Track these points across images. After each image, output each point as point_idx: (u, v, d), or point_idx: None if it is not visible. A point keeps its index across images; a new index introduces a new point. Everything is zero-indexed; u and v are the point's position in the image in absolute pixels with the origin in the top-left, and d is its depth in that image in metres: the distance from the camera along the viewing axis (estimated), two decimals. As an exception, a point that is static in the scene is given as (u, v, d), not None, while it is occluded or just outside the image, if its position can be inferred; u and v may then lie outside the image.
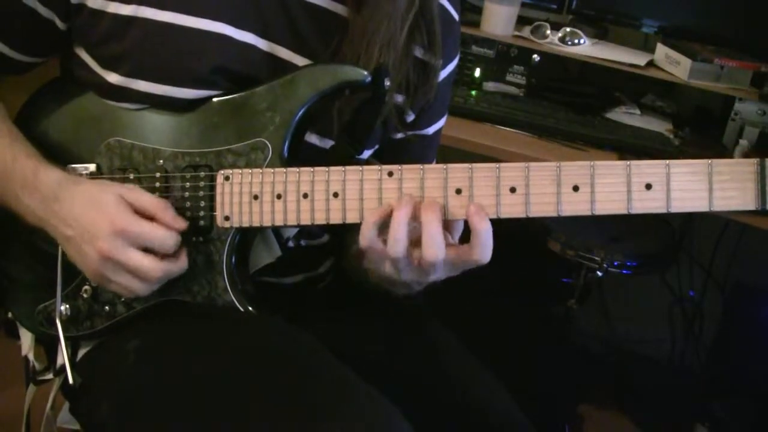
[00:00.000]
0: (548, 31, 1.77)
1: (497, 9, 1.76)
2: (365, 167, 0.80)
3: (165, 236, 0.83)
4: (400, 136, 0.99)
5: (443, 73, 0.99)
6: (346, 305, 1.05)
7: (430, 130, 1.04)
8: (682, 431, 2.03)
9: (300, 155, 0.87)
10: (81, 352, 0.93)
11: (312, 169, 0.81)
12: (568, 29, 1.76)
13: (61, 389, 0.95)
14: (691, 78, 1.66)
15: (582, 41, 1.75)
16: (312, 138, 0.91)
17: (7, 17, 0.87)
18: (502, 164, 0.76)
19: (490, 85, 1.80)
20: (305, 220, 0.82)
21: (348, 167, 0.80)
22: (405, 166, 0.79)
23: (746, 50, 1.71)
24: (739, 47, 1.73)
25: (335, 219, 0.81)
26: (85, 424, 0.94)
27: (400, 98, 0.94)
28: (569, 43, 1.75)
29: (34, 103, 0.95)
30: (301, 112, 0.84)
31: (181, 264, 0.85)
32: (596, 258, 1.70)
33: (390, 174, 0.79)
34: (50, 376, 0.96)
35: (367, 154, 0.97)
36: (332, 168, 0.81)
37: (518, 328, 2.02)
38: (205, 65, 0.85)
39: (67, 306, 0.90)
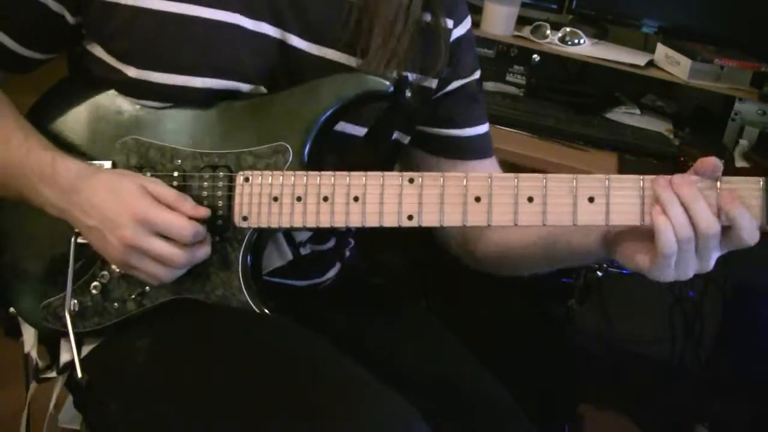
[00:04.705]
0: (548, 31, 1.78)
1: (497, 9, 1.77)
2: (386, 173, 0.82)
3: (184, 226, 0.83)
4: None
5: (460, 31, 1.01)
6: (347, 306, 1.05)
7: (467, 79, 1.04)
8: (682, 431, 2.03)
9: (330, 144, 0.89)
10: (84, 350, 0.93)
11: (333, 173, 0.83)
12: (568, 29, 1.77)
13: (66, 385, 0.94)
14: (691, 78, 1.66)
15: (582, 41, 1.76)
16: (345, 127, 0.92)
17: (18, 13, 0.88)
18: (521, 174, 0.79)
19: (490, 85, 1.80)
20: (324, 223, 0.83)
21: (369, 173, 0.82)
22: (425, 174, 0.81)
23: (746, 50, 1.71)
24: (739, 47, 1.73)
25: (354, 222, 0.83)
26: (91, 421, 0.94)
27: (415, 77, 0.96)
28: (569, 43, 1.76)
29: (48, 101, 0.96)
30: (323, 119, 0.86)
31: (206, 250, 0.86)
32: (596, 258, 1.70)
33: (411, 180, 0.81)
34: (53, 374, 0.96)
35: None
36: (353, 173, 0.83)
37: (518, 328, 2.02)
38: (220, 55, 0.87)
39: (75, 301, 0.90)
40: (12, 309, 0.96)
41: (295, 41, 0.90)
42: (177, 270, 0.85)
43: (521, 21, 1.82)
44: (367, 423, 0.73)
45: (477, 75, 1.06)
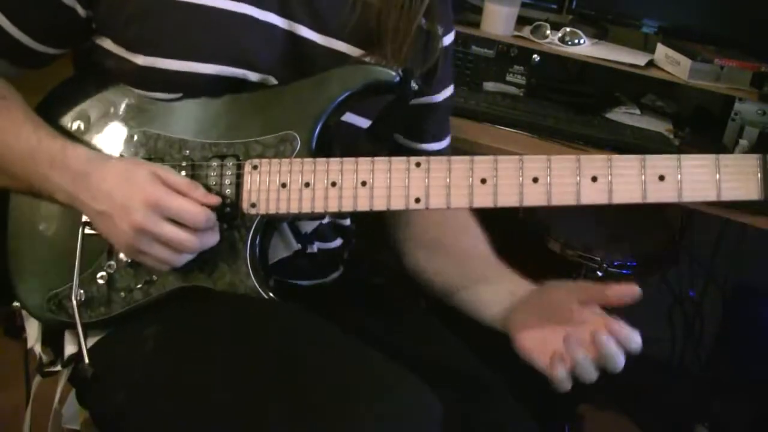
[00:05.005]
0: (548, 31, 1.78)
1: (497, 9, 1.77)
2: (393, 158, 0.84)
3: (197, 211, 0.85)
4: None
5: (446, 40, 1.04)
6: (347, 306, 1.05)
7: (439, 97, 1.07)
8: (682, 431, 2.03)
9: (337, 134, 0.91)
10: (89, 342, 0.93)
11: (340, 159, 0.85)
12: (568, 29, 1.77)
13: (70, 379, 0.94)
14: (691, 78, 1.67)
15: (582, 41, 1.76)
16: (350, 117, 0.95)
17: (30, 6, 0.91)
18: (525, 156, 0.81)
19: (490, 85, 1.81)
20: (333, 207, 0.85)
21: (376, 158, 0.84)
22: (432, 158, 0.83)
23: (746, 50, 1.71)
24: (739, 47, 1.74)
25: (362, 206, 0.85)
26: (97, 413, 0.94)
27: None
28: (569, 43, 1.76)
29: (56, 98, 0.98)
30: (331, 108, 0.88)
31: (215, 236, 0.88)
32: (596, 258, 1.70)
33: (418, 164, 0.83)
34: (58, 367, 0.96)
35: None
36: (360, 158, 0.85)
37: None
38: (228, 43, 0.89)
39: (82, 291, 0.91)
40: (16, 303, 0.96)
41: (303, 31, 0.93)
42: (186, 255, 0.87)
43: (521, 21, 1.83)
44: (369, 422, 0.73)
45: (452, 89, 1.10)
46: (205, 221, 0.85)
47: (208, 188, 0.89)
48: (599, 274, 1.71)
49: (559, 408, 1.95)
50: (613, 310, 0.86)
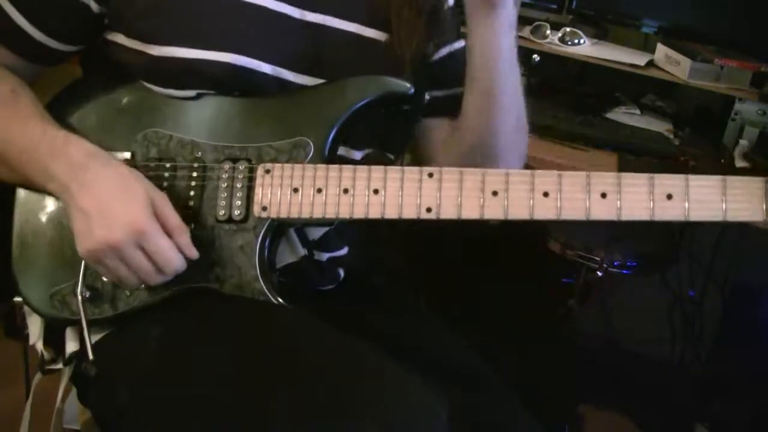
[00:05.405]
0: (548, 31, 1.79)
1: (497, 9, 1.76)
2: (406, 168, 0.85)
3: (173, 258, 0.86)
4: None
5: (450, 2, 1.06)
6: (346, 306, 1.05)
7: (462, 41, 1.06)
8: (682, 431, 2.03)
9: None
10: (91, 340, 0.93)
11: (353, 167, 0.87)
12: (568, 29, 1.78)
13: (72, 378, 0.94)
14: (691, 78, 1.67)
15: (582, 41, 1.77)
16: (340, 150, 0.95)
17: (45, 3, 0.92)
18: (537, 171, 0.83)
19: (490, 85, 1.80)
20: (344, 214, 0.86)
21: (389, 167, 0.86)
22: (444, 169, 0.85)
23: (746, 50, 1.72)
24: (739, 47, 1.74)
25: (374, 214, 0.86)
26: (99, 412, 0.95)
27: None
28: (569, 43, 1.77)
29: (68, 95, 0.98)
30: (344, 117, 0.90)
31: (168, 279, 0.88)
32: (596, 258, 1.71)
33: (430, 175, 0.85)
34: (59, 365, 0.96)
35: None
36: (373, 167, 0.86)
37: (518, 327, 2.02)
38: (242, 34, 0.91)
39: (86, 288, 0.90)
40: (18, 299, 0.96)
41: (315, 17, 0.94)
42: (139, 283, 0.87)
43: (521, 21, 1.83)
44: (370, 422, 0.73)
45: (459, 45, 1.09)
46: (174, 270, 0.87)
47: (220, 189, 0.90)
48: (599, 274, 1.71)
49: (559, 408, 1.95)
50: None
